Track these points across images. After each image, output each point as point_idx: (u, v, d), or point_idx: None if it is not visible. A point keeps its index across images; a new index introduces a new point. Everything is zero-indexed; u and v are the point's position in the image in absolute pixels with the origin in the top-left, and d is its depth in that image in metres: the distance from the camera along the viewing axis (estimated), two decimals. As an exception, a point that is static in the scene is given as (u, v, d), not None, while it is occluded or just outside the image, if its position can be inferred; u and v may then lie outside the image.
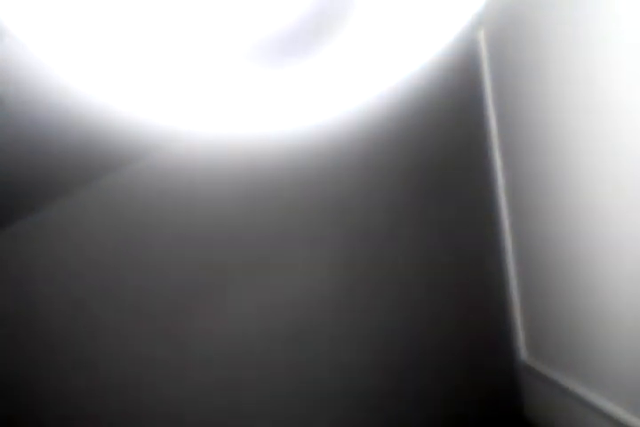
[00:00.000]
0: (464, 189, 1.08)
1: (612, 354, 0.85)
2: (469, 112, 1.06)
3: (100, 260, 1.01)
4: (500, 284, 1.09)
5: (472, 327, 1.08)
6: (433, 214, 1.08)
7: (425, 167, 1.08)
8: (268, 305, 1.06)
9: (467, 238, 1.08)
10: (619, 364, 0.84)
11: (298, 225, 1.06)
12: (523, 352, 1.08)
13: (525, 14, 0.92)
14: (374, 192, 1.08)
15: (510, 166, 1.04)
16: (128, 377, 1.03)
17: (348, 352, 1.08)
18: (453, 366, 1.09)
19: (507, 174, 1.06)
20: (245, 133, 0.64)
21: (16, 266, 1.00)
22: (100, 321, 1.02)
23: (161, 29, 0.61)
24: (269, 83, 0.64)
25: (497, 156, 1.07)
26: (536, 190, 0.98)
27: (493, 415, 1.08)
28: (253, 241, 1.05)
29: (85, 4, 0.58)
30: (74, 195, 0.98)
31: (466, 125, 1.06)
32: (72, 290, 1.01)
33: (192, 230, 1.02)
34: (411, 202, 1.09)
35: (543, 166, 0.94)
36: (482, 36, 1.04)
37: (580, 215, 0.87)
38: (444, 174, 1.09)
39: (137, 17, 0.60)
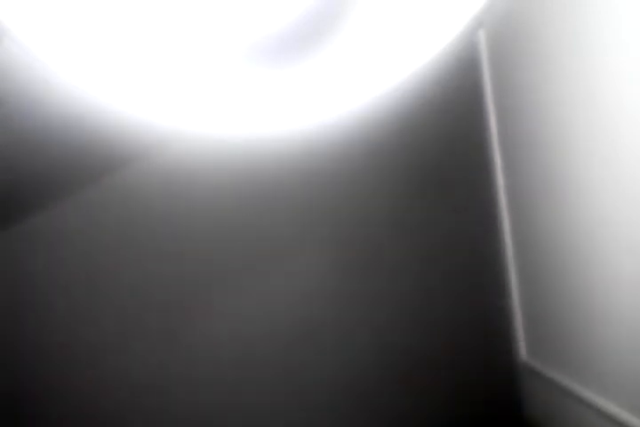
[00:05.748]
0: (464, 188, 1.08)
1: (612, 354, 0.85)
2: (469, 112, 1.06)
3: (100, 260, 1.01)
4: (500, 283, 1.09)
5: (472, 327, 1.08)
6: (433, 214, 1.08)
7: (425, 167, 1.08)
8: (269, 305, 1.07)
9: (467, 238, 1.08)
10: (619, 364, 0.84)
11: (297, 225, 1.06)
12: (523, 352, 1.08)
13: (525, 14, 0.92)
14: (374, 193, 1.08)
15: (510, 166, 1.04)
16: (128, 378, 1.04)
17: (348, 353, 1.08)
18: (453, 366, 1.09)
19: (507, 174, 1.06)
20: (245, 134, 0.64)
21: (16, 266, 1.00)
22: (99, 321, 1.02)
23: (160, 29, 0.61)
24: (268, 83, 0.64)
25: (497, 155, 1.07)
26: (536, 190, 0.98)
27: (493, 415, 1.08)
28: (254, 241, 1.05)
29: (85, 5, 0.58)
30: (74, 195, 0.98)
31: (466, 125, 1.06)
32: (72, 290, 1.01)
33: (192, 231, 1.02)
34: (411, 202, 1.09)
35: (544, 166, 0.94)
36: (482, 36, 1.04)
37: (580, 215, 0.87)
38: (445, 174, 1.09)
39: (136, 18, 0.60)
